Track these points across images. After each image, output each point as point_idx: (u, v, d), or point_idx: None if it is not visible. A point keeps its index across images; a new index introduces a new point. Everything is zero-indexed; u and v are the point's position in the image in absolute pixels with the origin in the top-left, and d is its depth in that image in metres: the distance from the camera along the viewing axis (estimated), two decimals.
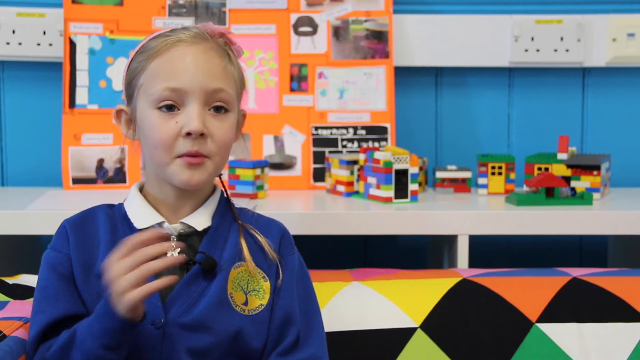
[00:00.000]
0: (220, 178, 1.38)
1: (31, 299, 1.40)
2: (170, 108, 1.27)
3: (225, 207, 1.36)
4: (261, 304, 1.31)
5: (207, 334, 1.26)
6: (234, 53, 1.34)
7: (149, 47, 1.29)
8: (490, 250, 2.11)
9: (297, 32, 2.08)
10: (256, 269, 1.31)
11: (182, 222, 1.31)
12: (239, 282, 1.30)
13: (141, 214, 1.31)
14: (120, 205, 1.35)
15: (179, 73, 1.26)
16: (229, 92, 1.29)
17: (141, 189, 1.35)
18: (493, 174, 1.98)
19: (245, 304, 1.29)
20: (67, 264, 1.29)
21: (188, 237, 1.31)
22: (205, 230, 1.32)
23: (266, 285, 1.32)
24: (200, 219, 1.32)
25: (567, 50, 2.11)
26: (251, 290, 1.31)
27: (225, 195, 1.38)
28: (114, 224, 1.32)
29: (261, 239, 1.33)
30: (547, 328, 1.51)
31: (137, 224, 1.30)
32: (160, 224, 1.31)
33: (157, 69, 1.27)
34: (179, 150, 1.26)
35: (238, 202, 1.41)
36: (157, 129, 1.27)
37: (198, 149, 1.26)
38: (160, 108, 1.27)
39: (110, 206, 1.36)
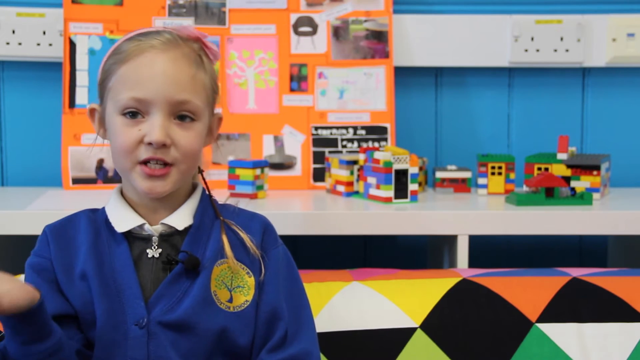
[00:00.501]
0: (202, 175, 1.38)
1: None
2: (134, 115, 1.26)
3: (207, 204, 1.35)
4: (246, 300, 1.30)
5: (192, 332, 1.26)
6: (208, 58, 1.33)
7: (122, 49, 1.29)
8: (490, 250, 2.11)
9: (297, 32, 2.08)
10: (238, 265, 1.31)
11: (162, 223, 1.31)
12: (223, 279, 1.30)
13: (121, 217, 1.31)
14: (103, 209, 1.35)
15: (144, 83, 1.25)
16: (196, 102, 1.28)
17: (123, 192, 1.35)
18: (493, 174, 1.98)
19: (230, 300, 1.29)
20: (50, 268, 1.30)
21: (170, 236, 1.31)
22: (187, 229, 1.32)
23: (250, 280, 1.31)
24: (181, 219, 1.31)
25: (567, 50, 2.11)
26: (235, 287, 1.30)
27: (207, 192, 1.38)
28: (96, 228, 1.32)
29: (242, 234, 1.32)
30: (547, 328, 1.51)
31: (118, 227, 1.30)
32: (140, 226, 1.31)
33: (125, 75, 1.27)
34: (140, 157, 1.26)
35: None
36: (120, 135, 1.27)
37: (161, 156, 1.26)
38: (124, 114, 1.27)
39: (94, 211, 1.36)
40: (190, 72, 1.28)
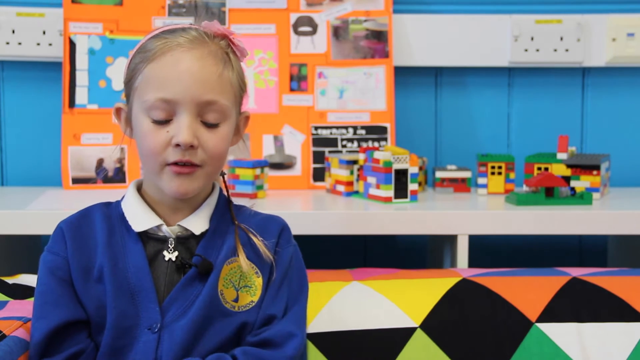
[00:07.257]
0: (223, 178, 1.37)
1: (31, 299, 1.40)
2: (163, 123, 1.24)
3: (224, 207, 1.34)
4: (252, 301, 1.30)
5: (201, 336, 1.25)
6: (235, 55, 1.30)
7: (148, 48, 1.26)
8: (490, 250, 2.11)
9: (296, 32, 2.08)
10: (249, 264, 1.29)
11: (179, 225, 1.30)
12: (231, 279, 1.29)
13: (139, 215, 1.30)
14: (118, 204, 1.33)
15: (171, 83, 1.23)
16: (223, 102, 1.25)
17: (139, 188, 1.34)
18: (493, 173, 1.98)
19: (236, 300, 1.29)
20: (65, 267, 1.28)
21: (186, 239, 1.30)
22: (203, 233, 1.31)
23: (258, 281, 1.30)
24: (198, 222, 1.30)
25: (566, 50, 2.11)
26: (243, 287, 1.30)
27: (225, 194, 1.36)
28: (110, 224, 1.31)
29: (257, 240, 1.31)
30: (546, 328, 1.51)
31: (135, 226, 1.29)
32: (157, 227, 1.30)
33: (151, 74, 1.24)
34: (168, 159, 1.24)
35: (237, 201, 1.40)
36: (148, 137, 1.25)
37: (189, 158, 1.24)
38: (153, 122, 1.24)
39: (107, 205, 1.34)
40: (217, 70, 1.25)
